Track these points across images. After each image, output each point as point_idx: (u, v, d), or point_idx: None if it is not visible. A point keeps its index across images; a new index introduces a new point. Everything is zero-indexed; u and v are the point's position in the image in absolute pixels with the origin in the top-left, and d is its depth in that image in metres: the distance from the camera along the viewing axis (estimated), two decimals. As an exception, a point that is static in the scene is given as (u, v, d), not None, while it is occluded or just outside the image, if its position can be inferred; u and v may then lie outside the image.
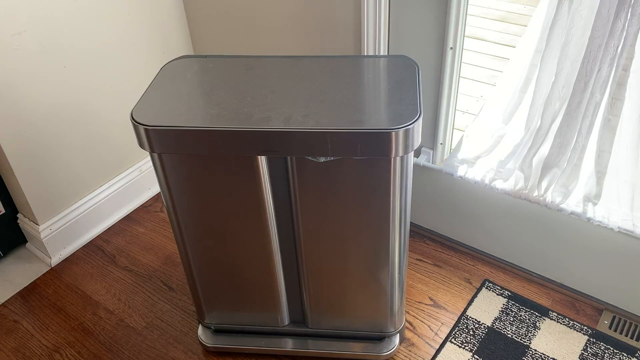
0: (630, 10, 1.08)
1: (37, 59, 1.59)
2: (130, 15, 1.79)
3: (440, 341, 1.50)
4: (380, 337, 1.45)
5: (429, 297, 1.63)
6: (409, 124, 1.01)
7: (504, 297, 1.60)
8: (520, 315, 1.54)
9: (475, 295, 1.62)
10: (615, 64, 1.15)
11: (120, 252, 1.86)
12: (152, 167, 1.18)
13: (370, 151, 1.03)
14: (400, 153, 1.04)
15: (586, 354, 1.44)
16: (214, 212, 1.21)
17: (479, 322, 1.53)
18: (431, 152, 1.66)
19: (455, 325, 1.53)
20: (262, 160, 1.11)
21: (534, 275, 1.65)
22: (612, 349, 1.44)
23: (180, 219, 1.24)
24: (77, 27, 1.66)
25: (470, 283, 1.66)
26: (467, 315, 1.56)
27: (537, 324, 1.52)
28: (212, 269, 1.34)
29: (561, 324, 1.52)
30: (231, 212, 1.20)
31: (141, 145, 1.10)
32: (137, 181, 2.03)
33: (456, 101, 1.57)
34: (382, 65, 1.27)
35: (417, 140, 1.05)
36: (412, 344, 1.50)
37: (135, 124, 1.07)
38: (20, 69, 1.55)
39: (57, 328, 1.61)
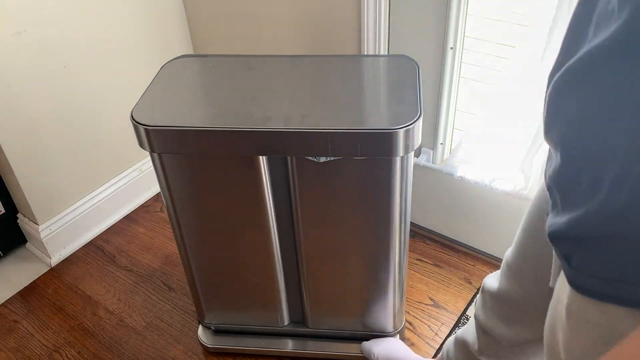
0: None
1: (37, 59, 1.59)
2: (130, 15, 1.79)
3: (440, 341, 1.50)
4: (380, 337, 1.44)
5: (429, 297, 1.63)
6: (410, 124, 1.01)
7: (504, 297, 1.60)
8: (521, 315, 1.54)
9: (475, 295, 1.61)
10: (615, 64, 1.15)
11: (120, 252, 1.86)
12: (152, 167, 1.17)
13: (371, 151, 1.03)
14: (401, 153, 1.03)
15: (586, 354, 1.43)
16: (214, 212, 1.21)
17: (479, 322, 1.53)
18: (431, 152, 1.66)
19: (456, 325, 1.53)
20: (262, 160, 1.11)
21: (534, 275, 1.65)
22: (612, 349, 1.44)
23: (180, 219, 1.23)
24: (77, 27, 1.66)
25: (470, 283, 1.66)
26: (467, 315, 1.56)
27: (537, 324, 1.52)
28: (212, 269, 1.34)
29: (561, 324, 1.51)
30: (231, 212, 1.20)
31: (141, 145, 1.10)
32: (137, 181, 2.03)
33: (456, 101, 1.57)
34: (383, 64, 1.27)
35: (418, 140, 1.05)
36: (412, 344, 1.49)
37: (135, 124, 1.07)
38: (20, 69, 1.55)
39: (57, 328, 1.61)
